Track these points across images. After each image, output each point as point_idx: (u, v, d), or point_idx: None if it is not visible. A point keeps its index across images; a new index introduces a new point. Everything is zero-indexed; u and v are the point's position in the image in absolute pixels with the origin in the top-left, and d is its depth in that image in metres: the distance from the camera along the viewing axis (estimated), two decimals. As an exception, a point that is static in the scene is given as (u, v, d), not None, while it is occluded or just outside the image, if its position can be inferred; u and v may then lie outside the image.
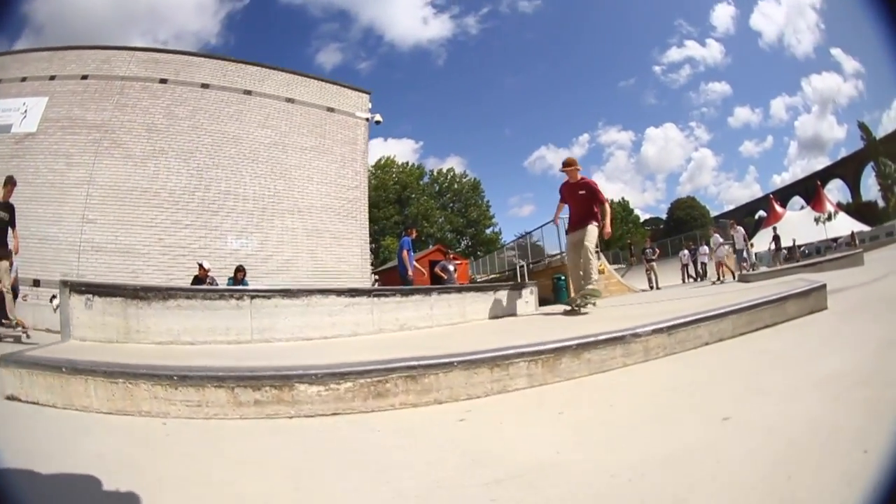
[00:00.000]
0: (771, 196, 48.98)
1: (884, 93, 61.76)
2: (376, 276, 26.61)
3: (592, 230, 4.74)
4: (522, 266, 16.00)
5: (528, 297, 6.08)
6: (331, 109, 15.15)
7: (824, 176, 51.79)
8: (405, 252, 8.68)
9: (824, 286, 3.08)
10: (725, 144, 77.85)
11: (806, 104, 67.34)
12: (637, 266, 19.79)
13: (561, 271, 14.10)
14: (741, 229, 12.96)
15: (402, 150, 71.53)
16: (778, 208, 45.08)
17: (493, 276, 20.31)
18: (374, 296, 4.93)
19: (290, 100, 14.65)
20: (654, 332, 2.35)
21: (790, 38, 65.57)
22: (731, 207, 63.71)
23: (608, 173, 73.47)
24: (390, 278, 23.69)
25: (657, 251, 15.59)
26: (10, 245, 6.06)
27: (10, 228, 6.05)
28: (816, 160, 75.66)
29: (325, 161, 14.57)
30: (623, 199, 55.70)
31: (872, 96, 61.30)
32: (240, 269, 9.72)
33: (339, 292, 4.66)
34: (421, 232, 43.02)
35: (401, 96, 76.92)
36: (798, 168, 67.84)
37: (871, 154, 47.25)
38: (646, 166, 76.81)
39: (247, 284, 9.53)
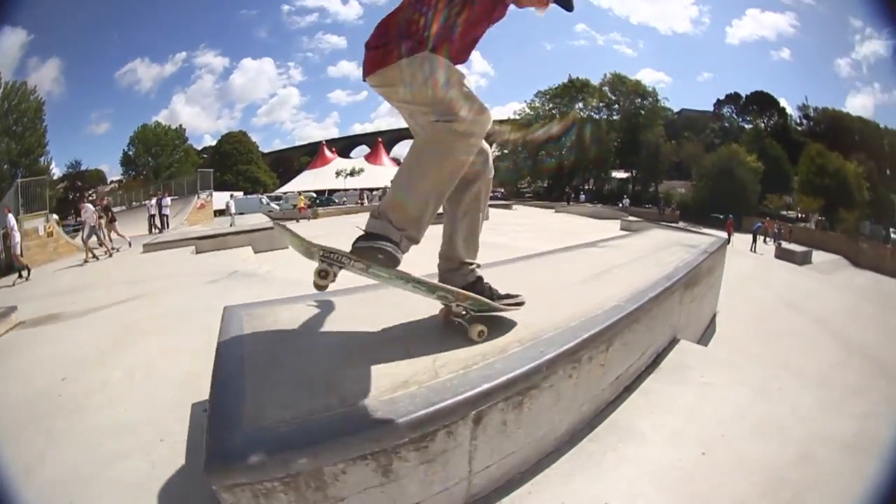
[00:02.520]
0: (323, 143, 55.50)
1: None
2: None
3: None
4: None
5: None
6: None
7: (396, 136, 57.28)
8: None
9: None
10: (316, 88, 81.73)
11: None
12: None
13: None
14: (90, 207, 11.56)
15: (12, 42, 50.63)
16: (327, 153, 49.48)
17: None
18: None
19: None
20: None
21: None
22: (301, 143, 65.88)
23: (189, 95, 65.52)
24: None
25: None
26: None
27: None
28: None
29: None
30: (181, 125, 49.43)
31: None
32: None
33: None
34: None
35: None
36: (384, 123, 71.77)
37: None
38: (229, 94, 71.67)
39: None
